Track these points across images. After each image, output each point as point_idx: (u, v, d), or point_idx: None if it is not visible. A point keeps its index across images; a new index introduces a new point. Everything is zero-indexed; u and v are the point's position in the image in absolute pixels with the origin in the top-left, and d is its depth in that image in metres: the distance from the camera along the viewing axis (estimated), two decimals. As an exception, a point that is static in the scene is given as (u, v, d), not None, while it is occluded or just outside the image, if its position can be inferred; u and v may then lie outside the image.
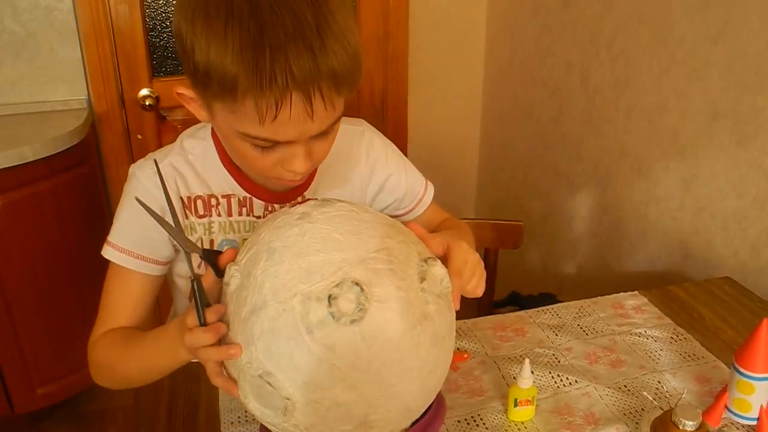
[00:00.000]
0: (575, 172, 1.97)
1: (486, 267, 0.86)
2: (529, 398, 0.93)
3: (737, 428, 0.93)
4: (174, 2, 2.09)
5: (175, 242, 0.90)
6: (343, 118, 0.82)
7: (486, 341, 1.13)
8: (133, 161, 0.92)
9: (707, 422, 0.87)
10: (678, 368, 1.06)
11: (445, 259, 0.79)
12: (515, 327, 1.17)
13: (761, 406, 0.90)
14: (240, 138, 0.77)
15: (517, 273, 2.27)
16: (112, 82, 2.10)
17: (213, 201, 0.92)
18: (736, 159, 1.37)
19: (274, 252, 0.69)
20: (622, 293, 1.27)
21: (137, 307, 0.92)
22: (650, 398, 0.97)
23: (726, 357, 1.07)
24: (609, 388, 1.01)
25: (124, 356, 0.87)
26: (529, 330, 1.16)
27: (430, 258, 0.74)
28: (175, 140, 0.95)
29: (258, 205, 0.94)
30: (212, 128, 0.92)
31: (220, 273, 0.74)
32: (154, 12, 2.10)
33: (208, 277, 0.74)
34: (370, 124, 1.04)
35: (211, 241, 0.94)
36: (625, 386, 1.01)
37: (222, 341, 0.71)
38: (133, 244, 0.90)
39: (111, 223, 0.92)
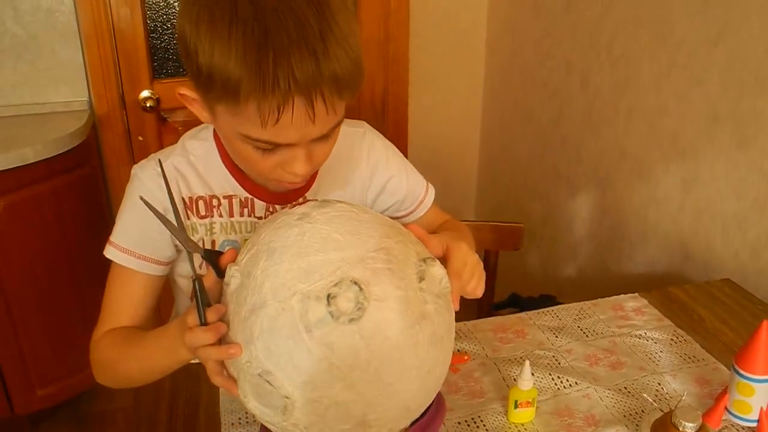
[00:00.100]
0: (575, 174, 1.97)
1: (486, 269, 0.86)
2: (530, 400, 0.93)
3: (737, 430, 0.93)
4: (176, 4, 2.10)
5: (177, 242, 0.90)
6: (345, 120, 0.82)
7: (486, 343, 1.13)
8: (134, 163, 0.93)
9: (707, 424, 0.87)
10: (678, 370, 1.06)
11: (444, 260, 0.79)
12: (515, 329, 1.17)
13: (761, 408, 0.90)
14: (241, 140, 0.78)
15: (517, 275, 2.27)
16: (113, 84, 2.10)
17: (214, 202, 0.93)
18: (736, 161, 1.37)
19: (273, 252, 0.69)
20: (622, 295, 1.27)
21: (139, 307, 0.93)
22: (650, 400, 0.97)
23: (726, 359, 1.07)
24: (609, 389, 1.01)
25: (125, 355, 0.88)
26: (529, 332, 1.16)
27: (428, 258, 0.74)
28: (176, 142, 0.96)
29: (259, 205, 0.94)
30: (214, 129, 0.92)
31: (221, 273, 0.75)
32: (155, 14, 2.11)
33: (209, 277, 0.75)
34: (371, 125, 1.04)
35: (213, 242, 0.94)
36: (626, 388, 1.01)
37: (222, 341, 0.71)
38: (135, 244, 0.90)
39: (112, 225, 0.92)
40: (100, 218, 2.05)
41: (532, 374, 0.92)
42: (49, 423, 2.10)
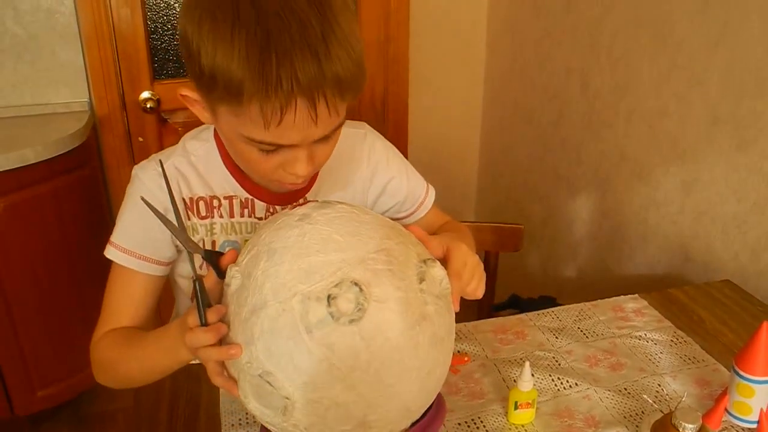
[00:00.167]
0: (575, 176, 1.98)
1: (486, 270, 0.86)
2: (530, 401, 0.93)
3: (737, 431, 0.93)
4: (176, 5, 2.10)
5: (178, 243, 0.90)
6: (345, 121, 0.82)
7: (486, 344, 1.13)
8: (134, 164, 0.93)
9: (707, 425, 0.87)
10: (678, 371, 1.06)
11: (444, 261, 0.79)
12: (515, 330, 1.17)
13: (761, 410, 0.90)
14: (243, 141, 0.78)
15: (517, 276, 2.27)
16: (114, 85, 2.10)
17: (215, 202, 0.93)
18: (736, 163, 1.37)
19: (274, 253, 0.69)
20: (622, 296, 1.27)
21: (139, 308, 0.93)
22: (650, 401, 0.97)
23: (726, 360, 1.07)
24: (609, 391, 1.01)
25: (125, 356, 0.88)
26: (529, 333, 1.16)
27: (429, 259, 0.74)
28: (176, 143, 0.96)
29: (260, 206, 0.94)
30: (215, 130, 0.92)
31: (221, 274, 0.75)
32: (155, 15, 2.11)
33: (210, 278, 0.75)
34: (371, 126, 1.05)
35: (213, 242, 0.94)
36: (626, 389, 1.01)
37: (223, 341, 0.71)
38: (136, 244, 0.90)
39: (112, 225, 0.92)
40: (101, 219, 2.06)
41: (532, 375, 0.92)
42: (49, 424, 2.10)
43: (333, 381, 0.66)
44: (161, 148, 1.86)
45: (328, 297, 0.66)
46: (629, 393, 1.01)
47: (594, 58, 1.81)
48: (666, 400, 0.99)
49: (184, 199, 0.92)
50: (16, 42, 2.00)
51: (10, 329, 1.86)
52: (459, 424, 0.95)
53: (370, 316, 0.66)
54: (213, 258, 0.76)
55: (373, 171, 1.02)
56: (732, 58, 1.35)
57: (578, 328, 1.17)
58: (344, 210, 0.74)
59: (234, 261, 0.74)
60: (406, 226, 0.79)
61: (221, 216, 0.93)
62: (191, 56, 0.74)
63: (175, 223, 0.79)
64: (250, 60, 0.69)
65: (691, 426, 0.82)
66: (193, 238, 0.92)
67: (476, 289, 0.82)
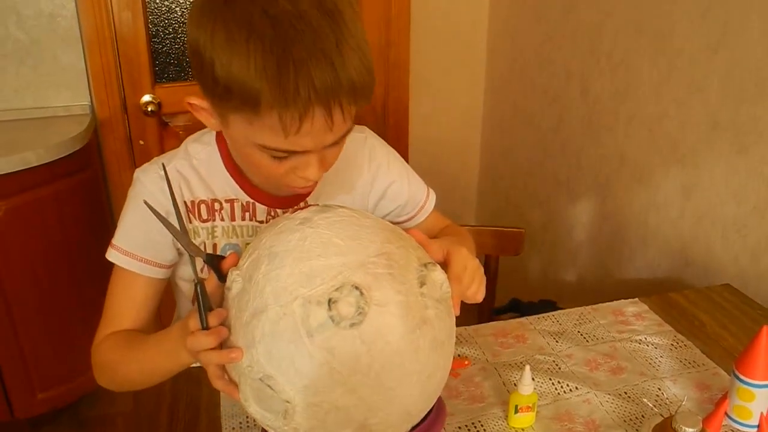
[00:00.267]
0: (575, 180, 1.98)
1: (487, 273, 0.86)
2: (530, 405, 0.93)
3: (737, 435, 0.93)
4: (177, 9, 2.11)
5: (179, 245, 0.91)
6: None
7: (487, 348, 1.13)
8: (136, 167, 0.93)
9: (707, 429, 0.87)
10: (678, 375, 1.06)
11: (445, 265, 0.79)
12: (516, 334, 1.17)
13: (761, 414, 0.91)
14: (256, 148, 0.78)
15: (517, 280, 2.27)
16: (115, 89, 2.11)
17: (216, 205, 0.93)
18: (736, 167, 1.37)
19: (275, 256, 0.70)
20: (622, 300, 1.27)
21: (141, 310, 0.93)
22: (650, 405, 0.97)
23: (726, 364, 1.07)
24: (609, 394, 1.01)
25: (126, 358, 0.88)
26: (529, 337, 1.16)
27: (429, 263, 0.74)
28: (177, 146, 0.96)
29: (261, 210, 0.94)
30: (217, 134, 0.92)
31: (222, 277, 0.75)
32: (156, 18, 2.11)
33: (211, 281, 0.75)
34: (372, 130, 1.05)
35: (214, 246, 0.94)
36: (626, 393, 1.02)
37: (223, 345, 0.71)
38: (137, 247, 0.91)
39: (113, 228, 0.93)
40: (101, 222, 2.06)
41: (533, 379, 0.92)
42: (49, 427, 2.09)
43: (333, 385, 0.66)
44: (162, 151, 1.86)
45: (329, 301, 0.66)
46: (629, 397, 1.01)
47: (594, 62, 1.82)
48: (666, 404, 0.99)
49: (185, 202, 0.92)
50: (19, 47, 2.01)
51: (11, 332, 1.86)
52: (459, 427, 0.95)
53: (370, 319, 0.66)
54: (214, 261, 0.77)
55: (373, 175, 1.02)
56: (732, 63, 1.36)
57: (578, 331, 1.17)
58: (345, 214, 0.74)
59: (235, 264, 0.74)
60: (406, 230, 0.79)
61: (222, 219, 0.93)
62: (203, 66, 0.74)
63: (177, 226, 0.80)
64: (267, 71, 0.69)
65: (691, 430, 0.81)
66: (194, 241, 0.92)
67: (477, 292, 0.82)
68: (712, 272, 1.46)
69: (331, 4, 0.73)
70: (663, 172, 1.59)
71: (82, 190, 1.95)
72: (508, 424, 0.95)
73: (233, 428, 0.95)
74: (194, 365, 0.78)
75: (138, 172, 0.92)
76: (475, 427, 0.95)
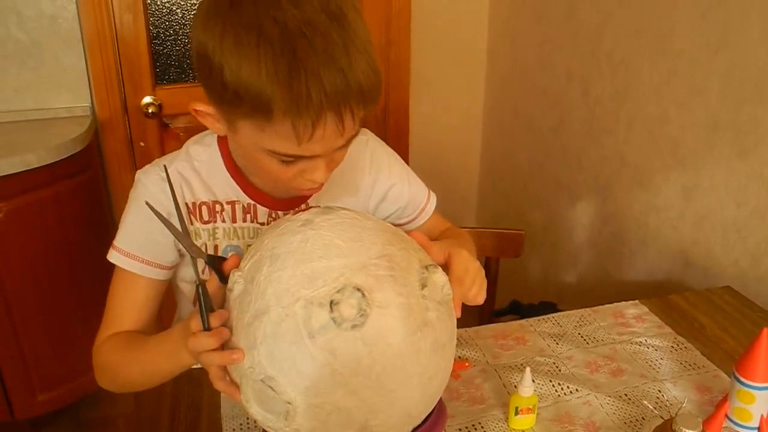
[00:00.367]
0: (576, 182, 1.98)
1: (487, 275, 0.86)
2: (530, 407, 0.94)
3: (737, 437, 0.93)
4: (178, 11, 2.11)
5: (181, 247, 0.91)
6: None
7: (487, 350, 1.13)
8: (136, 168, 0.93)
9: (707, 431, 0.88)
10: (678, 377, 1.06)
11: (446, 267, 0.79)
12: (516, 335, 1.17)
13: (762, 416, 0.91)
14: (266, 154, 0.78)
15: (518, 282, 2.27)
16: (116, 90, 2.11)
17: (217, 207, 0.93)
18: (736, 169, 1.37)
19: (277, 258, 0.70)
20: (622, 302, 1.27)
21: (142, 312, 0.93)
22: (651, 407, 0.97)
23: (726, 366, 1.07)
24: (609, 396, 1.01)
25: (127, 359, 0.88)
26: (530, 338, 1.16)
27: (431, 265, 0.74)
28: (178, 148, 0.96)
29: (262, 211, 0.95)
30: (218, 135, 0.92)
31: (224, 279, 0.75)
32: (157, 20, 2.12)
33: (212, 283, 0.75)
34: (372, 131, 1.05)
35: (215, 247, 0.94)
36: (626, 395, 1.02)
37: (225, 346, 0.72)
38: (139, 248, 0.91)
39: (113, 230, 0.93)
40: (102, 223, 2.06)
41: (533, 381, 0.93)
42: (50, 428, 2.09)
43: (335, 386, 0.66)
44: (163, 152, 1.86)
45: (331, 302, 0.66)
46: (630, 399, 1.01)
47: (594, 63, 1.82)
48: (666, 406, 0.99)
49: (186, 204, 0.92)
50: (20, 48, 2.01)
51: (11, 333, 1.86)
52: (460, 429, 0.95)
53: (372, 321, 0.66)
54: (216, 263, 0.77)
55: (374, 177, 1.02)
56: (732, 65, 1.36)
57: (579, 333, 1.18)
58: (347, 216, 0.74)
59: (237, 266, 0.74)
60: (407, 232, 0.79)
61: (224, 221, 0.94)
62: (212, 72, 0.73)
63: (178, 227, 0.80)
64: (279, 78, 0.69)
65: (691, 432, 0.82)
66: (195, 243, 0.93)
67: (477, 295, 0.82)
68: (713, 274, 1.46)
69: (336, 8, 0.73)
70: (663, 173, 1.59)
71: (82, 191, 1.95)
72: (508, 425, 0.95)
73: (234, 429, 0.95)
74: (195, 366, 0.78)
75: (139, 174, 0.92)
76: (476, 428, 0.95)
